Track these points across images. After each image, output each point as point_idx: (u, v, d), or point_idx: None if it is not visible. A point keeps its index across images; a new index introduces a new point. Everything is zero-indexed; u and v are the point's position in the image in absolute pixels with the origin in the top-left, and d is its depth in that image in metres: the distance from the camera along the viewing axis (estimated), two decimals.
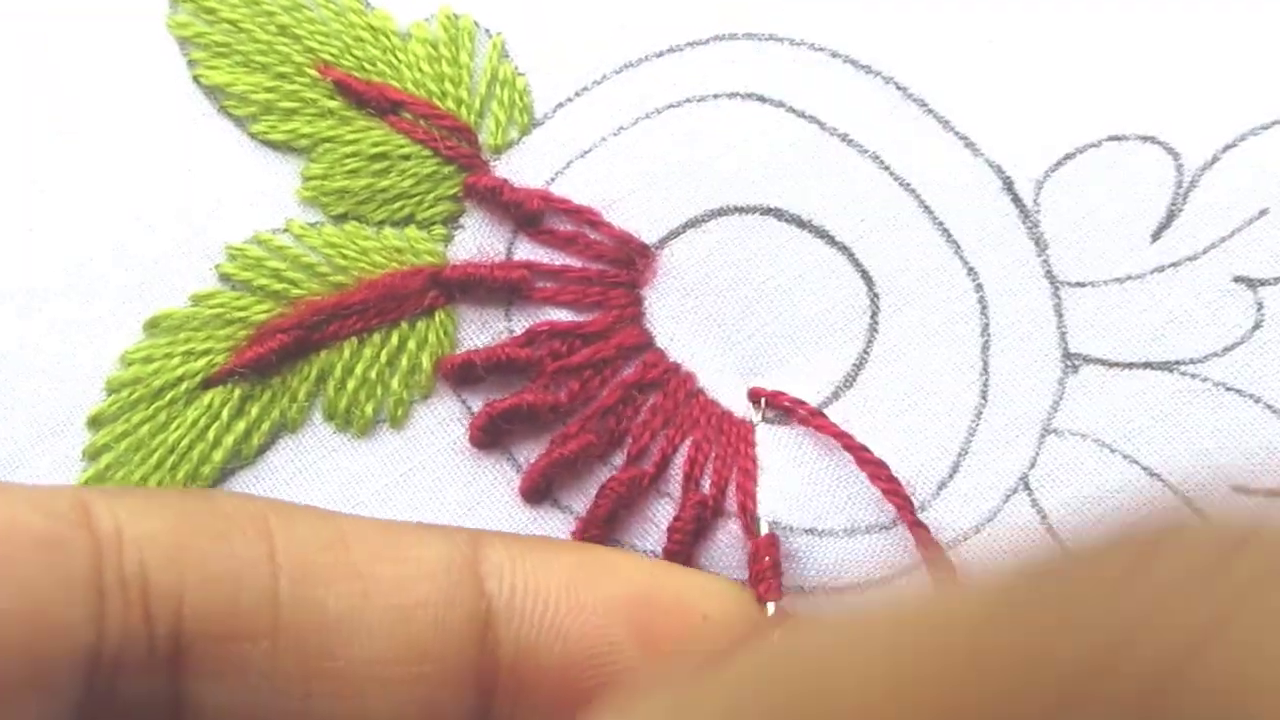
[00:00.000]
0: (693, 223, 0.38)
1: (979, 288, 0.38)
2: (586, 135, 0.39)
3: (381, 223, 0.38)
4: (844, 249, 0.38)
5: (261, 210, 0.38)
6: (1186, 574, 0.17)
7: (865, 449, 0.37)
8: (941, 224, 0.38)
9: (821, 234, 0.38)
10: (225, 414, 0.37)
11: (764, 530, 0.36)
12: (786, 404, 0.37)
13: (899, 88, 0.39)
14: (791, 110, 0.39)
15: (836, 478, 0.37)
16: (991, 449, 0.37)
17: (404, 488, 0.37)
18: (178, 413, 0.37)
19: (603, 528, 0.37)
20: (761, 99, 0.39)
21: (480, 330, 0.38)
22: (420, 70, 0.39)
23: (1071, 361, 0.38)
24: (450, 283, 0.38)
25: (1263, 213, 0.38)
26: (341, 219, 0.38)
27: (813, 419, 0.37)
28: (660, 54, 0.39)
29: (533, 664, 0.31)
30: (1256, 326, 0.38)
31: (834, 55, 0.39)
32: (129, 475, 0.37)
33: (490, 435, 0.37)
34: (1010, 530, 0.37)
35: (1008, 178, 0.38)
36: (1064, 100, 0.39)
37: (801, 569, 0.37)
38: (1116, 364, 0.38)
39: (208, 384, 0.37)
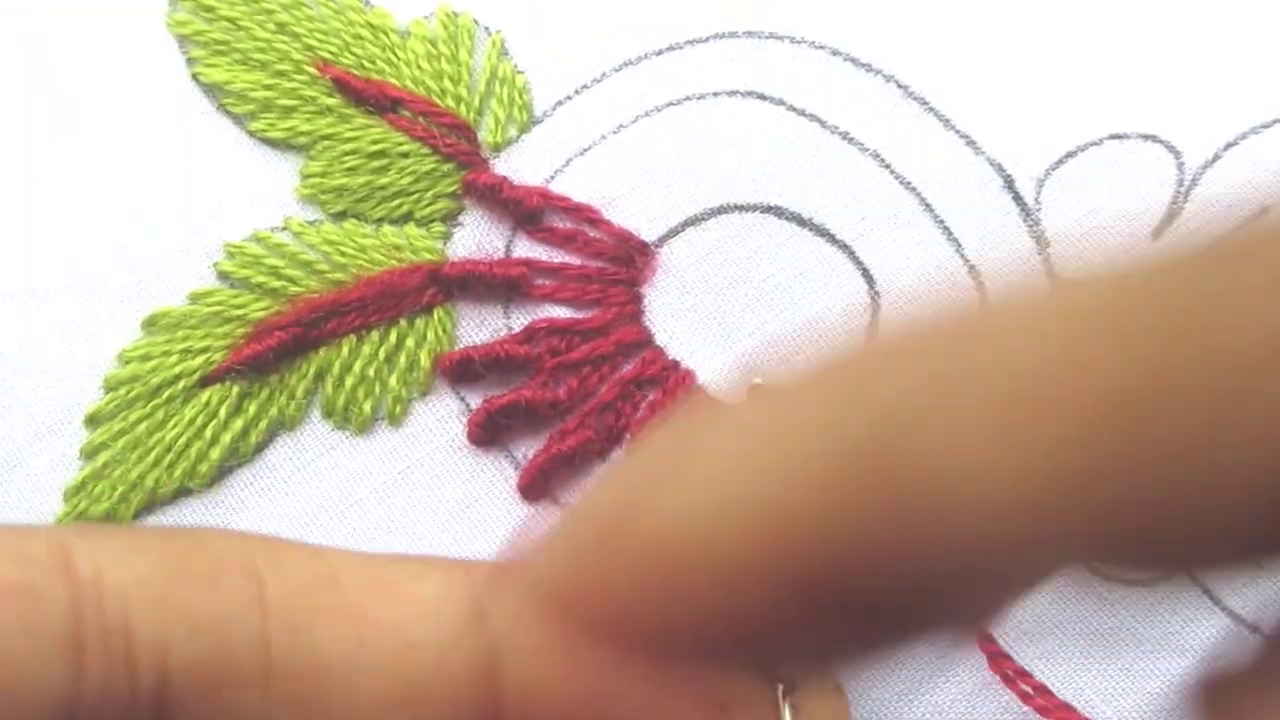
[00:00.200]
0: (692, 220, 0.38)
1: (980, 286, 0.38)
2: (586, 133, 0.39)
3: (380, 220, 0.38)
4: (844, 247, 0.38)
5: (260, 208, 0.38)
6: None
7: None
8: (942, 222, 0.38)
9: (822, 232, 0.38)
10: (223, 412, 0.37)
11: None
12: None
13: (900, 86, 0.39)
14: (792, 108, 0.39)
15: None
16: None
17: (402, 485, 0.37)
18: (175, 411, 0.37)
19: None
20: (762, 97, 0.39)
21: (479, 327, 0.38)
22: (419, 68, 0.39)
23: None
24: (449, 280, 0.38)
25: (1264, 211, 0.38)
26: (340, 216, 0.38)
27: None
28: (660, 52, 0.39)
29: (539, 700, 0.30)
30: None
31: (834, 53, 0.39)
32: (127, 473, 0.37)
33: (489, 432, 0.37)
34: None
35: (1009, 176, 0.38)
36: (1065, 98, 0.39)
37: None
38: None
39: (206, 382, 0.37)
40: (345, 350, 0.38)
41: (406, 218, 0.38)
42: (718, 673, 0.30)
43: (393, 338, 0.38)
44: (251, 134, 0.38)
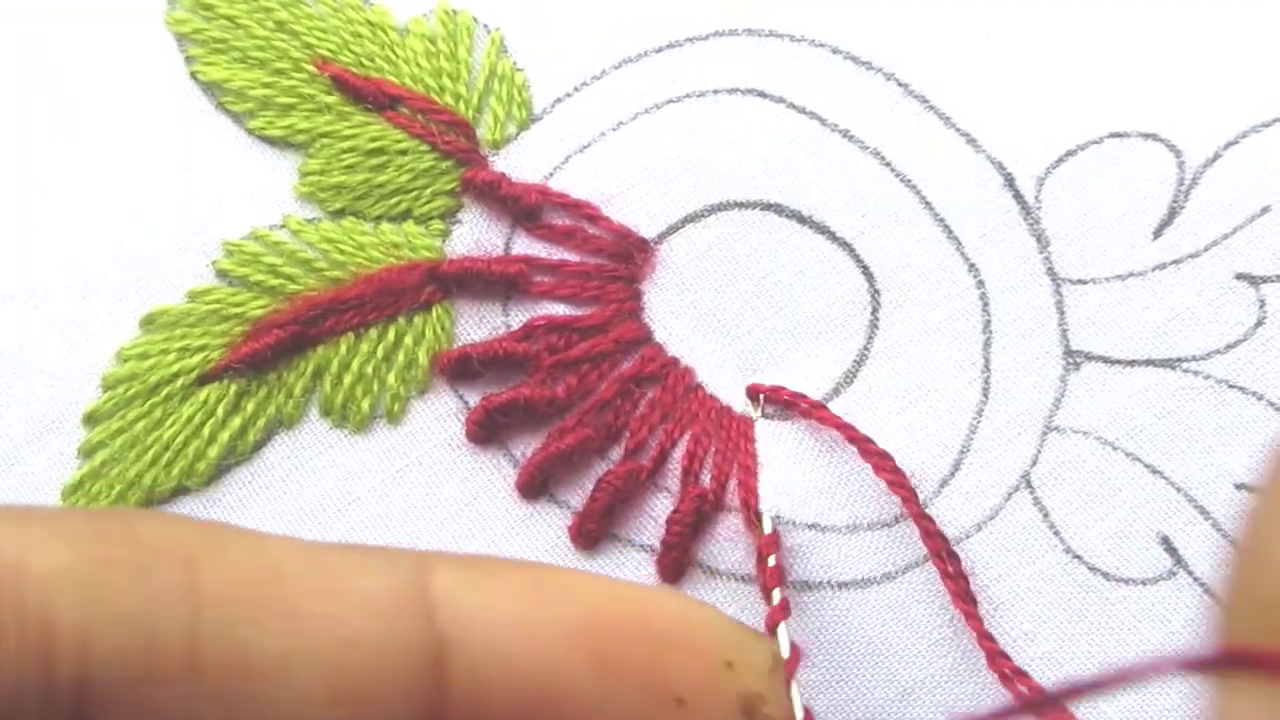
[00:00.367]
0: (692, 218, 0.38)
1: (980, 284, 0.38)
2: (585, 130, 0.39)
3: (379, 218, 0.38)
4: (845, 245, 0.38)
5: (259, 206, 0.38)
6: None
7: (869, 440, 0.37)
8: (942, 220, 0.38)
9: (822, 230, 0.38)
10: (221, 410, 0.37)
11: (768, 527, 0.36)
12: (787, 397, 0.37)
13: (900, 84, 0.39)
14: (792, 106, 0.39)
15: (837, 474, 0.37)
16: (993, 446, 0.37)
17: (400, 483, 0.37)
18: (173, 409, 0.37)
19: (599, 522, 0.37)
20: (762, 94, 0.39)
21: (477, 325, 0.38)
22: (418, 65, 0.39)
23: (1073, 359, 0.38)
24: (447, 277, 0.38)
25: (1265, 210, 0.38)
26: (339, 214, 0.38)
27: (815, 411, 0.37)
28: (660, 49, 0.39)
29: (486, 699, 0.29)
30: (1259, 323, 0.38)
31: (834, 51, 0.39)
32: (124, 472, 0.37)
33: (487, 430, 0.37)
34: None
35: (1009, 174, 0.38)
36: (1065, 97, 0.39)
37: (804, 565, 0.37)
38: (1118, 361, 0.38)
39: (204, 380, 0.37)
40: (343, 348, 0.38)
41: (405, 215, 0.38)
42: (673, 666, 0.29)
43: (391, 335, 0.38)
44: (250, 132, 0.38)
